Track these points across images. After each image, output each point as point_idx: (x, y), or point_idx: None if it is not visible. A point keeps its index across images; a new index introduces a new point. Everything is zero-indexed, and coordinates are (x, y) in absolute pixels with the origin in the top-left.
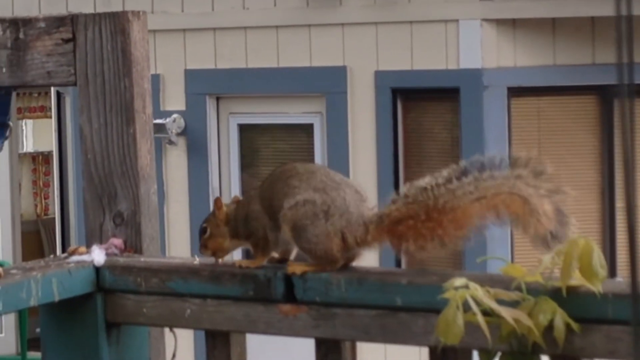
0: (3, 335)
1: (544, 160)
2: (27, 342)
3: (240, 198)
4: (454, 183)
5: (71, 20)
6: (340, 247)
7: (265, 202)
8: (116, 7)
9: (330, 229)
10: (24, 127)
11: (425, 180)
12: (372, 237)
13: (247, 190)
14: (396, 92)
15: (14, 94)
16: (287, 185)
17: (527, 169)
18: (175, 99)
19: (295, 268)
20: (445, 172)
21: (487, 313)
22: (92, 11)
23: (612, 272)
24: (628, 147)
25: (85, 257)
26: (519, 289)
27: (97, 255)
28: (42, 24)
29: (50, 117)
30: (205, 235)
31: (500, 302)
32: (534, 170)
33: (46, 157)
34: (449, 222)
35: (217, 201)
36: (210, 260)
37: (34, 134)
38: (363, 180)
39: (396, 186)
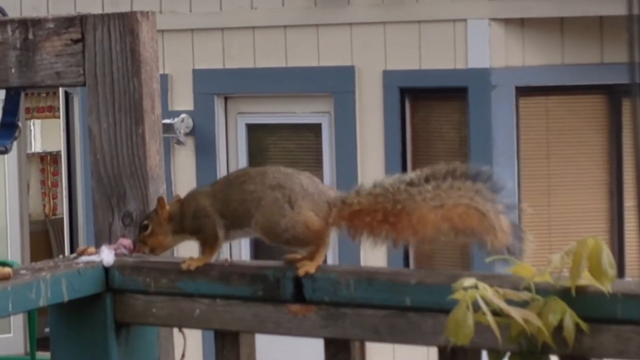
0: (12, 335)
1: (504, 176)
2: (36, 342)
3: (182, 197)
4: (416, 188)
5: (80, 21)
6: (317, 220)
7: (218, 204)
8: (124, 7)
9: (298, 211)
10: (32, 127)
11: (389, 181)
12: (333, 219)
13: (194, 189)
14: (404, 92)
15: (22, 94)
16: (243, 190)
17: (487, 183)
18: (183, 99)
19: (308, 268)
20: (409, 175)
21: (496, 313)
22: (100, 11)
23: (621, 271)
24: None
25: (94, 258)
26: (528, 289)
27: (106, 256)
28: (51, 25)
29: (59, 117)
30: (145, 232)
31: (510, 302)
32: (494, 185)
33: (54, 157)
34: (404, 227)
35: (161, 200)
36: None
37: (42, 134)
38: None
39: None
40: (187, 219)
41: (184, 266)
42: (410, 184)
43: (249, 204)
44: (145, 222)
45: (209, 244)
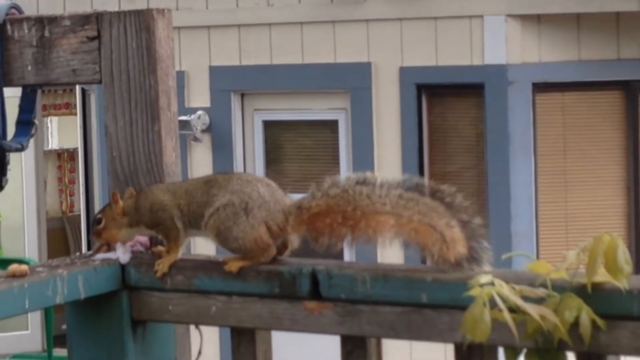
0: (29, 332)
1: (460, 194)
2: (53, 338)
3: (134, 192)
4: (377, 193)
5: (96, 18)
6: (267, 235)
7: (177, 200)
8: (141, 4)
9: (252, 222)
10: (49, 124)
11: (345, 182)
12: (292, 227)
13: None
14: (421, 88)
15: (39, 92)
16: (208, 194)
17: (444, 200)
18: (200, 96)
19: (232, 265)
20: (372, 179)
21: (512, 310)
22: (116, 9)
23: (637, 268)
24: None
25: (110, 255)
26: (544, 285)
27: (123, 253)
28: (68, 22)
29: (76, 114)
30: (99, 226)
31: (526, 298)
32: (451, 203)
33: (71, 154)
34: (361, 229)
35: (114, 195)
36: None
37: (59, 131)
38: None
39: None
40: (144, 212)
41: (158, 274)
42: (365, 183)
43: (209, 206)
44: (99, 216)
45: (172, 238)
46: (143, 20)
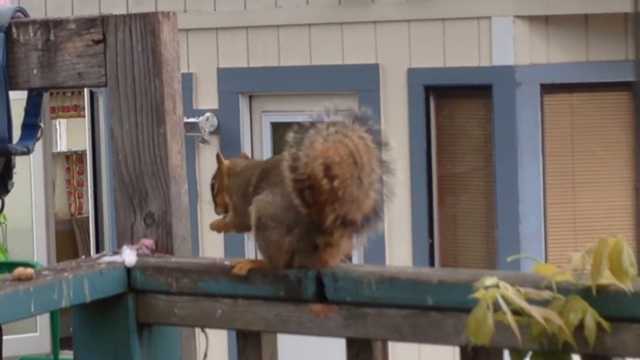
0: (38, 334)
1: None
2: (61, 341)
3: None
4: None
5: (101, 22)
6: (285, 262)
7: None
8: (149, 7)
9: (285, 244)
10: (57, 127)
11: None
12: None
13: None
14: (429, 90)
15: (45, 95)
16: (274, 174)
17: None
18: (208, 98)
19: (241, 269)
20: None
21: (517, 312)
22: (124, 11)
23: None
24: None
25: (116, 258)
26: (549, 288)
27: (128, 256)
28: (73, 25)
29: (84, 116)
30: (213, 192)
31: (531, 301)
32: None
33: (80, 156)
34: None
35: (218, 156)
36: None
37: (68, 133)
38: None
39: (429, 183)
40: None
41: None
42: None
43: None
44: (212, 181)
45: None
46: (148, 24)
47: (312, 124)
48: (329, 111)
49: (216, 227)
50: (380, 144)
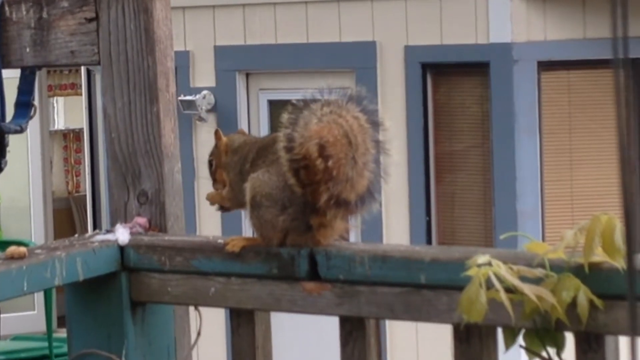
0: (36, 312)
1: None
2: (58, 319)
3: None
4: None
5: (94, 0)
6: (279, 241)
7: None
8: None
9: (279, 223)
10: (55, 105)
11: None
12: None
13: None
14: (426, 67)
15: (38, 73)
16: (270, 152)
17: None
18: (205, 76)
19: (234, 245)
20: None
21: (510, 290)
22: None
23: None
24: (622, 124)
25: (109, 236)
26: (541, 265)
27: (122, 234)
28: (66, 4)
29: (81, 95)
30: (211, 169)
31: (524, 279)
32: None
33: (77, 134)
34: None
35: (217, 132)
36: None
37: (65, 111)
38: (393, 155)
39: (426, 161)
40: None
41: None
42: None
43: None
44: (209, 158)
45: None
46: (141, 2)
47: (306, 104)
48: (323, 90)
49: (212, 198)
50: (375, 123)
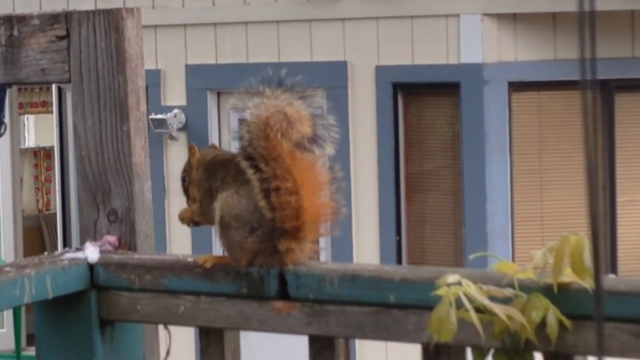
0: (5, 330)
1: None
2: (27, 337)
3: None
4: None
5: (65, 18)
6: (248, 262)
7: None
8: (117, 3)
9: (248, 245)
10: (25, 122)
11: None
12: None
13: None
14: (397, 87)
15: (9, 91)
16: (239, 171)
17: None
18: (176, 94)
19: (207, 261)
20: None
21: (480, 310)
22: (92, 7)
23: (613, 267)
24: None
25: (79, 254)
26: (511, 285)
27: (91, 253)
28: (36, 21)
29: (52, 112)
30: (184, 185)
31: (493, 299)
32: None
33: (48, 152)
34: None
35: (191, 148)
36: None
37: (36, 129)
38: (364, 175)
39: (397, 181)
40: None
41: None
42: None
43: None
44: (182, 174)
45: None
46: (112, 20)
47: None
48: (264, 80)
49: (182, 215)
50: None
